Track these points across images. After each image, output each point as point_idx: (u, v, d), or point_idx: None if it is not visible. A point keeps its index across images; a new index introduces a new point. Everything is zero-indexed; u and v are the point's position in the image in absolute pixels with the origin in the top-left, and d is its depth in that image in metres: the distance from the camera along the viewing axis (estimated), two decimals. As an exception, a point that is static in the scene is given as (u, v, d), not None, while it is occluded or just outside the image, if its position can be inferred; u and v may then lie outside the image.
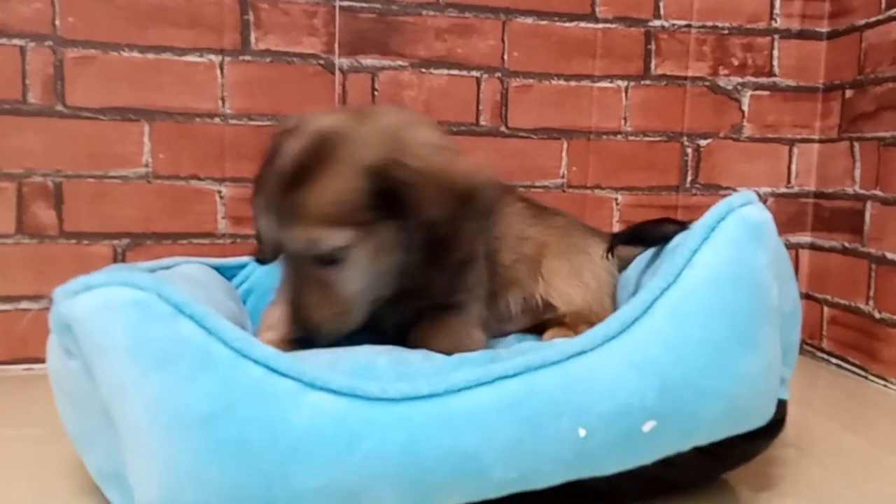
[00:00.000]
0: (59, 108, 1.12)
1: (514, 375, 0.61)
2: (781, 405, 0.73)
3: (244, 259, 1.08)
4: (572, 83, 1.31)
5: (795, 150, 1.39)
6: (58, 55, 1.11)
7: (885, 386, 1.18)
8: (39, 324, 1.12)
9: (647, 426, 0.61)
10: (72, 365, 0.62)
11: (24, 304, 1.14)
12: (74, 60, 1.12)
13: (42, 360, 1.10)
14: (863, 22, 1.27)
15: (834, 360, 1.31)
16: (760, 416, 0.68)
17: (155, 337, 0.57)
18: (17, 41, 1.10)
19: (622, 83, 1.33)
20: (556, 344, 0.66)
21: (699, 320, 0.64)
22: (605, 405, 0.61)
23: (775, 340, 0.68)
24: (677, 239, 0.81)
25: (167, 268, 0.91)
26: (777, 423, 0.72)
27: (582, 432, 0.60)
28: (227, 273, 1.05)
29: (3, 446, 0.87)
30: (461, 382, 0.61)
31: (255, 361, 0.59)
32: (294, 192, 0.74)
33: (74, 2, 1.11)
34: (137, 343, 0.56)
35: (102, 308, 0.58)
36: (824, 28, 1.37)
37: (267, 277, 1.06)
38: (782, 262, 0.74)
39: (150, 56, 1.14)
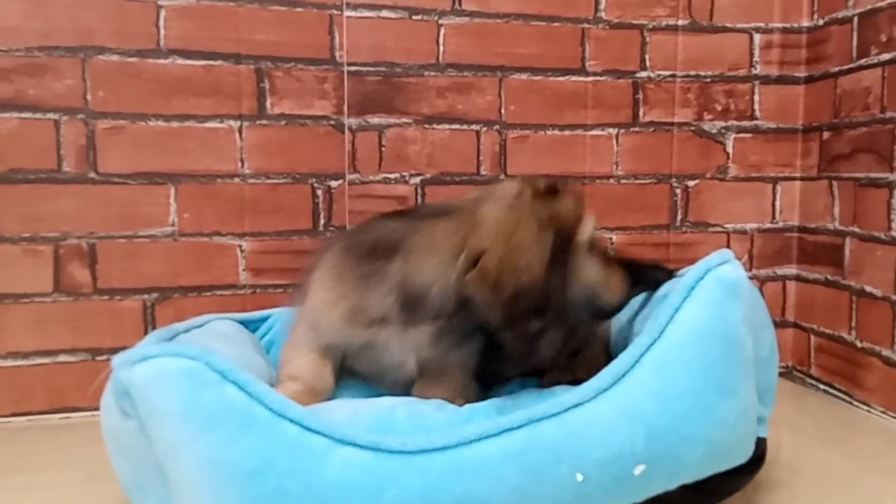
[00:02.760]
0: (92, 175, 1.21)
1: (519, 427, 0.69)
2: (761, 443, 0.81)
3: (265, 312, 1.17)
4: (566, 132, 1.40)
5: (779, 187, 1.48)
6: (89, 126, 1.20)
7: (868, 411, 1.25)
8: (75, 375, 1.22)
9: (638, 469, 0.69)
10: (129, 425, 0.70)
11: (61, 358, 1.22)
12: (105, 131, 1.21)
13: (78, 409, 1.21)
14: (836, 69, 1.36)
15: (822, 387, 1.39)
16: (740, 456, 0.76)
17: (204, 402, 0.65)
18: (51, 115, 1.19)
19: (613, 131, 1.42)
20: (556, 395, 0.74)
21: (681, 372, 0.73)
22: (600, 452, 0.69)
23: (751, 387, 0.76)
24: (665, 288, 0.89)
25: (199, 326, 0.99)
26: (758, 459, 0.80)
27: (580, 477, 0.68)
28: (251, 326, 1.13)
29: (43, 491, 0.94)
30: (471, 434, 0.68)
31: (291, 420, 0.67)
32: None
33: (104, 77, 1.20)
34: (189, 407, 0.64)
35: (157, 377, 0.66)
36: (802, 73, 1.46)
37: (287, 330, 1.15)
38: (758, 312, 0.82)
39: (175, 124, 1.23)
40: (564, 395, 0.73)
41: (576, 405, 0.71)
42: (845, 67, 1.33)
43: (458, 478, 0.66)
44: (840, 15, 1.34)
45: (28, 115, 1.18)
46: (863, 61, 1.28)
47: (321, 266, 0.93)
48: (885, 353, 1.22)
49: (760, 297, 0.84)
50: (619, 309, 0.91)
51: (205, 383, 0.66)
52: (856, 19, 1.30)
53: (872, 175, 1.25)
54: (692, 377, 0.72)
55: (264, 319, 1.15)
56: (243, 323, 1.11)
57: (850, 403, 1.30)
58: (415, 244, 0.86)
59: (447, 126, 1.35)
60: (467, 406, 0.80)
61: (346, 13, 1.29)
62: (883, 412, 1.23)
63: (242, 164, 1.27)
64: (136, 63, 1.21)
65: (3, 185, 1.18)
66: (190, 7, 1.23)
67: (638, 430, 0.70)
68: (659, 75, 1.43)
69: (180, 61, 1.23)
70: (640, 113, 1.43)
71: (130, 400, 0.67)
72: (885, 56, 1.22)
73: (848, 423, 1.22)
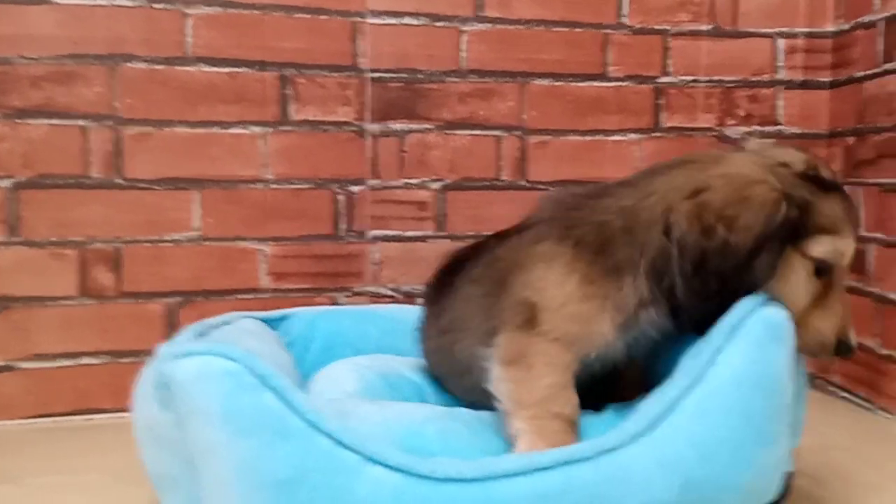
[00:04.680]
0: (118, 180, 1.23)
1: (551, 468, 0.67)
2: (788, 476, 0.78)
3: (285, 311, 1.16)
4: (587, 138, 1.40)
5: (802, 193, 1.46)
6: (117, 133, 1.22)
7: (887, 418, 1.24)
8: (99, 377, 1.24)
9: None
10: (165, 416, 0.70)
11: (84, 360, 1.23)
12: (132, 137, 1.23)
13: (102, 411, 1.23)
14: (861, 74, 1.34)
15: (843, 394, 1.38)
16: (769, 495, 0.74)
17: (243, 406, 0.65)
18: (80, 122, 1.21)
19: (635, 136, 1.42)
20: (588, 435, 0.74)
21: (721, 420, 0.70)
22: (634, 500, 0.67)
23: (786, 430, 0.74)
24: None
25: (229, 323, 1.00)
26: (785, 491, 0.78)
27: None
28: (271, 324, 1.12)
29: (69, 492, 0.96)
30: (502, 470, 0.67)
31: (325, 434, 0.66)
32: None
33: (132, 85, 1.22)
34: (228, 410, 0.65)
35: (200, 375, 0.66)
36: (826, 78, 1.45)
37: (307, 331, 1.14)
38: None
39: (200, 130, 1.25)
40: (599, 437, 0.71)
41: (611, 450, 0.69)
42: (871, 72, 1.32)
43: (486, 513, 0.66)
44: (866, 19, 1.33)
45: (57, 121, 1.20)
46: (889, 66, 1.27)
47: (548, 268, 0.80)
48: (911, 361, 1.21)
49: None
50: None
51: (245, 387, 0.66)
52: (882, 23, 1.29)
53: (898, 181, 1.24)
54: (733, 426, 0.70)
55: (284, 318, 1.14)
56: (265, 321, 1.11)
57: (872, 411, 1.28)
58: (648, 208, 0.78)
59: (468, 132, 1.36)
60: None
61: (370, 20, 1.30)
62: (908, 421, 1.22)
63: (265, 169, 1.28)
64: (164, 70, 1.23)
65: (32, 190, 1.20)
66: (216, 15, 1.24)
67: (675, 480, 0.68)
68: (682, 80, 1.42)
69: (206, 69, 1.25)
70: (662, 118, 1.42)
71: (170, 393, 0.68)
72: (912, 61, 1.21)
73: (870, 431, 1.21)
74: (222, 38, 1.25)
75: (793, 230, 0.74)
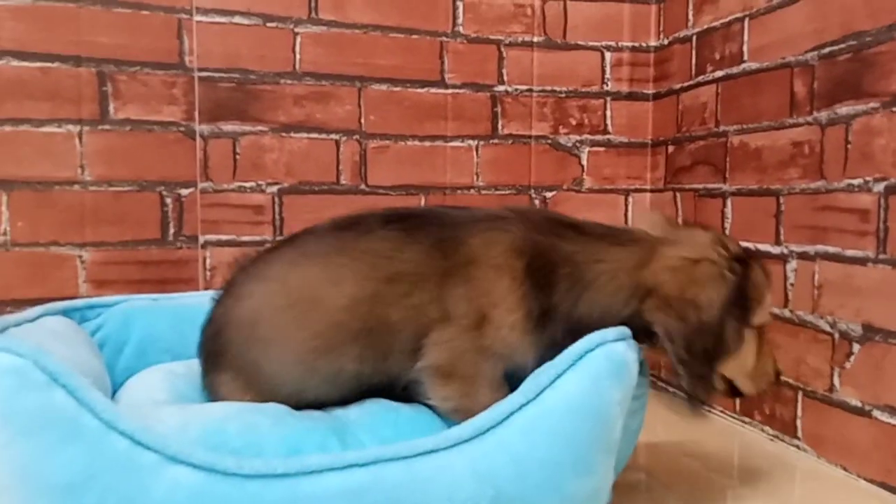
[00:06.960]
0: (-89, 180, 1.13)
1: (364, 465, 0.66)
2: None
3: (93, 300, 1.04)
4: (426, 143, 1.42)
5: (630, 199, 1.54)
6: None
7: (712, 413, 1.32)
8: None
9: None
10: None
11: None
12: (-74, 134, 1.13)
13: None
14: (679, 86, 1.43)
15: (671, 389, 1.45)
16: None
17: (28, 405, 0.61)
18: None
19: (472, 142, 1.44)
20: (418, 434, 0.73)
21: (544, 441, 0.71)
22: None
23: (610, 465, 0.76)
24: None
25: (31, 320, 0.91)
26: None
27: None
28: (77, 315, 1.01)
29: None
30: (313, 465, 0.66)
31: (122, 433, 0.63)
32: None
33: (-75, 77, 1.13)
34: (10, 409, 0.60)
35: (-18, 372, 0.61)
36: (650, 90, 1.53)
37: (121, 332, 1.04)
38: (640, 389, 0.81)
39: (8, 128, 1.17)
40: (420, 440, 0.70)
41: (429, 451, 0.69)
42: (686, 84, 1.41)
43: (292, 508, 0.64)
44: (682, 34, 1.42)
45: None
46: (700, 78, 1.36)
47: (498, 280, 0.83)
48: (723, 353, 1.28)
49: (647, 375, 0.84)
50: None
51: (31, 384, 0.61)
52: (694, 38, 1.38)
53: (709, 186, 1.32)
54: (554, 449, 0.71)
55: (92, 308, 1.03)
56: (69, 312, 1.00)
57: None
58: (593, 272, 0.83)
59: (305, 135, 1.34)
60: (310, 422, 0.78)
61: (196, 17, 1.26)
62: (721, 411, 1.29)
63: (83, 170, 1.21)
64: (-36, 63, 1.15)
65: None
66: (25, 7, 1.17)
67: (485, 491, 0.69)
68: (516, 90, 1.46)
69: (15, 63, 1.17)
70: (499, 125, 1.46)
71: None
72: (719, 73, 1.30)
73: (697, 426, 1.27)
74: (32, 31, 1.17)
75: (741, 299, 0.83)
